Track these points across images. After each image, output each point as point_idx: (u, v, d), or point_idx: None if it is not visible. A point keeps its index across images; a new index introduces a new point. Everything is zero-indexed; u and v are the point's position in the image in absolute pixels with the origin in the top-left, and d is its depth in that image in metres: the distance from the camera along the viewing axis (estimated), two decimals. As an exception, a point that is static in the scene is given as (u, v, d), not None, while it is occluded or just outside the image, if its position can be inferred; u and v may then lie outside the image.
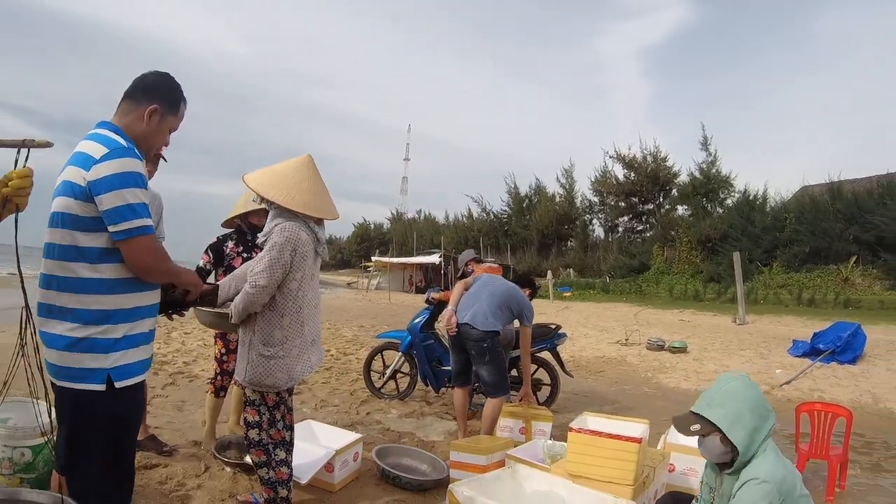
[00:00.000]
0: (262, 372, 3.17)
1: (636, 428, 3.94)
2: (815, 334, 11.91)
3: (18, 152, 1.96)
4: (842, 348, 11.12)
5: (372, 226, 78.12)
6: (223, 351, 4.71)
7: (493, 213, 55.02)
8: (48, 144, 2.07)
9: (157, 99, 2.43)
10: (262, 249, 3.26)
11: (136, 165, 2.23)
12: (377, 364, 7.70)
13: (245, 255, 4.58)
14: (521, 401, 5.73)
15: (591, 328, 16.67)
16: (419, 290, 40.72)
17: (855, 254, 27.36)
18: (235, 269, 3.90)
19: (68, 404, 2.23)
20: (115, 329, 2.24)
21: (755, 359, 11.50)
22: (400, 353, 7.34)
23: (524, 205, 51.65)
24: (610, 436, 3.57)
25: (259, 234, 3.43)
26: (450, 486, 3.15)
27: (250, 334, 3.20)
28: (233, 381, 4.84)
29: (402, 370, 7.49)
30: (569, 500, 3.21)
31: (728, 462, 2.65)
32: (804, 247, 29.26)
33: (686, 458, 4.25)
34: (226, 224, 4.76)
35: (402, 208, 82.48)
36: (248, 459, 4.08)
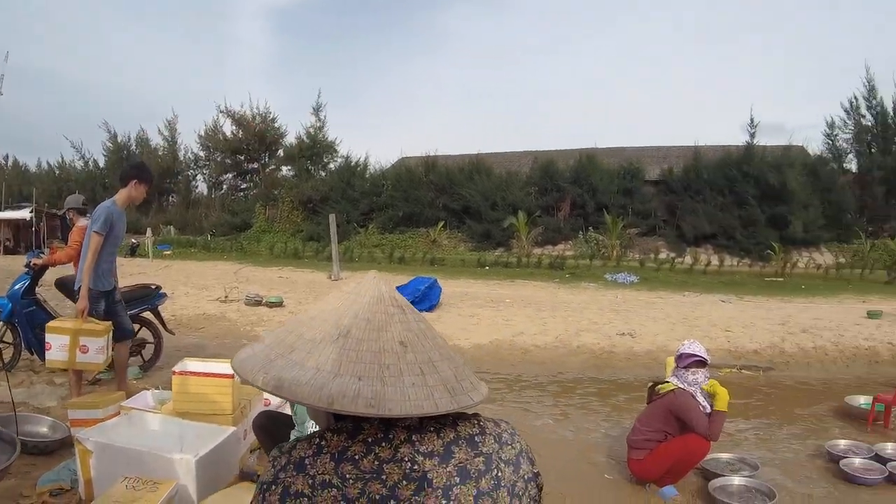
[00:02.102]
0: None
1: (230, 367, 4.73)
2: (396, 288, 13.74)
3: None
4: (420, 299, 13.14)
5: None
6: None
7: (93, 162, 50.80)
8: None
9: None
10: None
11: None
12: (-24, 335, 7.24)
13: None
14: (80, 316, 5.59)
15: (191, 287, 16.90)
16: (8, 251, 36.77)
17: (443, 219, 31.42)
18: None
19: None
20: None
21: (344, 310, 12.90)
22: (0, 322, 7.09)
23: (123, 154, 48.47)
24: (207, 374, 4.31)
25: None
26: (76, 435, 3.62)
27: None
28: None
29: (3, 340, 7.15)
30: (180, 433, 3.93)
31: None
32: (399, 211, 32.49)
33: (276, 395, 5.11)
34: None
35: (-14, 151, 72.51)
36: None
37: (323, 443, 1.23)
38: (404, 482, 1.18)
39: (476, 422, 1.32)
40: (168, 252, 30.65)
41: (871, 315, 13.84)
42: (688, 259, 26.34)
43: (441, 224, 31.07)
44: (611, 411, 7.28)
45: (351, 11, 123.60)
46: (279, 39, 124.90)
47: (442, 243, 30.32)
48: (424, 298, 13.22)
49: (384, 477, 1.18)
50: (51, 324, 5.46)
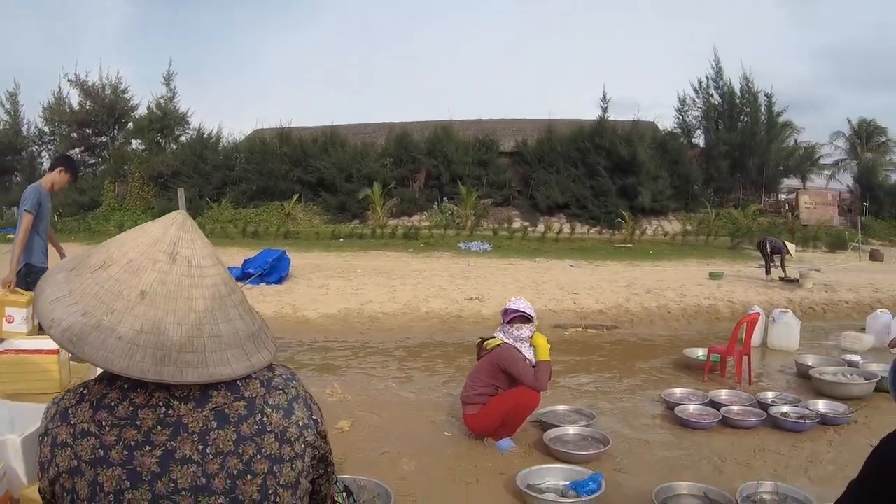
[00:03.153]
0: None
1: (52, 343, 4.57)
2: (245, 261, 13.72)
3: None
4: (268, 271, 13.26)
5: None
6: None
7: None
8: None
9: None
10: None
11: None
12: None
13: None
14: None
15: (35, 268, 16.13)
16: None
17: (298, 192, 30.80)
18: None
19: None
20: None
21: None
22: None
23: (-32, 129, 44.61)
24: (32, 352, 4.01)
25: None
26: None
27: None
28: None
29: None
30: (10, 416, 3.79)
31: None
32: (252, 185, 31.60)
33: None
34: None
35: None
36: None
37: (85, 391, 1.22)
38: (159, 427, 1.16)
39: None
40: (12, 235, 28.76)
41: (714, 276, 14.87)
42: (540, 227, 27.39)
43: (296, 197, 30.51)
44: (455, 372, 7.54)
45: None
46: (131, 5, 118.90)
47: (297, 216, 29.86)
48: (273, 271, 13.32)
49: (139, 423, 1.16)
50: None
